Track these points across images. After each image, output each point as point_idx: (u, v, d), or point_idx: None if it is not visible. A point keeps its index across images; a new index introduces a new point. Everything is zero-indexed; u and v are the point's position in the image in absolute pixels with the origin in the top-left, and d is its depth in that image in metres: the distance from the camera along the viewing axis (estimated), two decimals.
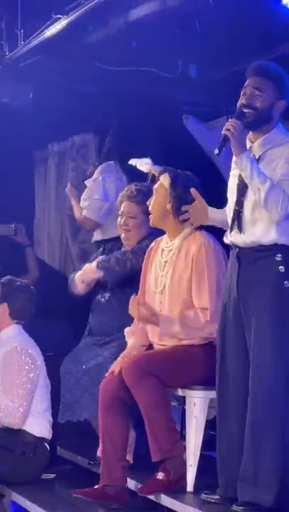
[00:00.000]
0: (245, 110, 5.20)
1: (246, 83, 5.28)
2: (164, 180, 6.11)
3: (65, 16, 7.53)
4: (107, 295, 7.11)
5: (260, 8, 7.48)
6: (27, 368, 6.67)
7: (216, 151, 5.21)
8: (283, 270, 5.02)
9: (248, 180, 5.08)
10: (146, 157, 6.87)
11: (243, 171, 5.11)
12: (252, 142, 5.22)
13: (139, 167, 6.99)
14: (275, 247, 5.05)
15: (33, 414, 6.68)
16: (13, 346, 6.74)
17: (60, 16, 7.56)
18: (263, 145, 5.22)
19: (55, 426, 6.90)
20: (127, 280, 6.76)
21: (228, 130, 5.10)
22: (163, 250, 6.14)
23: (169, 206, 6.00)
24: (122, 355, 6.10)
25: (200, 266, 5.82)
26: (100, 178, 7.93)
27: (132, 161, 7.07)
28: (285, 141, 5.22)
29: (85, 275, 7.20)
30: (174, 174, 6.06)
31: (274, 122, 5.26)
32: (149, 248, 6.33)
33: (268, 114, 5.21)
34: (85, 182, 8.09)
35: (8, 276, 7.24)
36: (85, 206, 7.94)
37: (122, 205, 6.88)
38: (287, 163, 5.11)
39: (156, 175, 6.37)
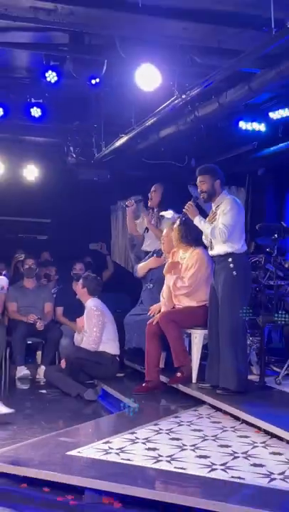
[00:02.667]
0: (200, 196, 5.88)
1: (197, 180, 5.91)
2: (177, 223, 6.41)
3: (125, 136, 8.41)
4: (151, 285, 7.19)
5: (228, 127, 8.65)
6: (96, 318, 6.86)
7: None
8: (232, 266, 5.62)
9: (200, 227, 5.80)
10: (170, 208, 7.08)
11: (197, 224, 5.81)
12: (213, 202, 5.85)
13: (165, 215, 7.15)
14: (227, 255, 5.64)
15: (108, 342, 6.88)
16: (90, 307, 6.99)
17: (123, 135, 8.43)
18: (216, 204, 5.81)
19: (123, 349, 7.04)
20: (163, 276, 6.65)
21: (190, 206, 5.83)
22: (180, 257, 6.43)
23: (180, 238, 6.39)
24: (160, 313, 6.34)
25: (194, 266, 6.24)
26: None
27: (162, 213, 7.23)
28: (224, 200, 5.75)
29: (145, 266, 7.28)
30: (184, 219, 6.19)
31: (219, 191, 5.80)
32: (173, 251, 6.55)
33: (212, 190, 5.77)
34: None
35: (86, 273, 7.59)
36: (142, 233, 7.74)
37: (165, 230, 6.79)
38: (222, 213, 5.66)
39: (176, 218, 6.56)
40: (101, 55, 6.40)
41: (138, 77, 6.22)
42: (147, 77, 6.21)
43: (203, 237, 5.94)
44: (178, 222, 6.45)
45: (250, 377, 6.13)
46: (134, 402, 5.69)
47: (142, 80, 6.25)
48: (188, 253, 6.38)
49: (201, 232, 6.01)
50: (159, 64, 6.10)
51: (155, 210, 7.57)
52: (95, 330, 6.85)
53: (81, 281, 7.23)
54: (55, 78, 6.71)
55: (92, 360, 6.77)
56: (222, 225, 5.61)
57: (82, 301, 7.18)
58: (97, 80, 6.73)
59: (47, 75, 6.69)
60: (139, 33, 5.49)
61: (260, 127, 8.78)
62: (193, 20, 5.23)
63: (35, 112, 7.97)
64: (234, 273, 5.63)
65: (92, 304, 7.04)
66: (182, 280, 6.26)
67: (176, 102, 6.88)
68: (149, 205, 7.69)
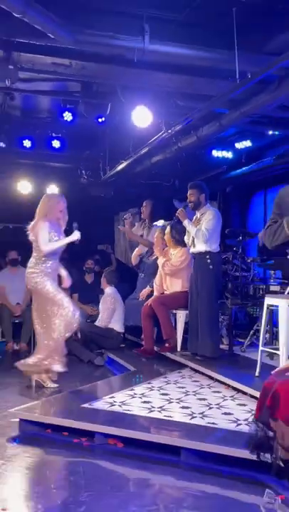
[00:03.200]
0: (189, 204, 5.87)
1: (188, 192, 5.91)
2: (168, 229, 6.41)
3: (125, 162, 8.42)
4: (142, 274, 7.19)
5: (204, 154, 8.64)
6: (109, 303, 6.81)
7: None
8: (209, 261, 5.61)
9: (188, 229, 5.77)
10: (160, 219, 7.20)
11: (186, 226, 5.77)
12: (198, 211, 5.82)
13: (157, 224, 7.16)
14: (206, 253, 5.61)
15: (117, 322, 6.82)
16: (107, 294, 6.92)
17: (123, 161, 8.42)
18: (200, 212, 5.78)
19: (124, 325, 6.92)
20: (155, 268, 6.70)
21: (181, 212, 5.78)
22: (171, 253, 6.41)
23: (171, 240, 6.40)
24: (152, 297, 6.34)
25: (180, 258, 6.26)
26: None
27: (155, 222, 7.23)
28: (208, 211, 5.75)
29: (135, 254, 7.35)
30: (174, 223, 6.19)
31: (204, 203, 5.82)
32: (165, 250, 6.51)
33: (198, 202, 5.79)
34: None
35: (108, 268, 7.60)
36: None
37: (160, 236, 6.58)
38: (206, 220, 5.66)
39: (166, 225, 6.58)
40: (106, 100, 6.39)
41: (134, 116, 6.18)
42: (141, 117, 6.16)
43: (186, 237, 5.91)
44: (169, 227, 6.43)
45: (221, 346, 6.11)
46: (133, 367, 5.64)
47: (137, 119, 6.20)
48: (177, 250, 6.39)
49: (184, 235, 5.99)
50: (150, 106, 6.05)
51: (146, 221, 7.48)
52: (106, 312, 6.81)
53: (104, 273, 7.19)
54: (71, 117, 6.73)
55: (102, 335, 6.75)
56: (205, 229, 5.60)
57: (103, 288, 7.11)
58: (103, 119, 6.75)
59: (64, 115, 6.72)
60: (135, 82, 5.46)
61: (228, 154, 8.78)
62: (175, 72, 5.21)
63: (56, 143, 7.99)
64: (210, 267, 5.63)
65: (109, 292, 6.99)
66: (169, 263, 6.34)
67: (163, 135, 6.91)
68: (142, 217, 7.61)
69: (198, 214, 5.85)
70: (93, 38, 4.55)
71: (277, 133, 7.50)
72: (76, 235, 5.21)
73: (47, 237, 5.06)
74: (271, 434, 2.35)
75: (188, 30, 4.78)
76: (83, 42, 4.55)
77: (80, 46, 4.61)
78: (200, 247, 5.68)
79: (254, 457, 2.43)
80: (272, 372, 2.50)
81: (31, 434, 3.74)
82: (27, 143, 7.92)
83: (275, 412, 2.29)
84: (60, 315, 4.93)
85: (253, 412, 2.48)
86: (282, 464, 2.33)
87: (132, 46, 4.53)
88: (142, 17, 4.57)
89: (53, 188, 9.93)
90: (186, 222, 5.79)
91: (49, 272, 5.09)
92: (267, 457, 2.39)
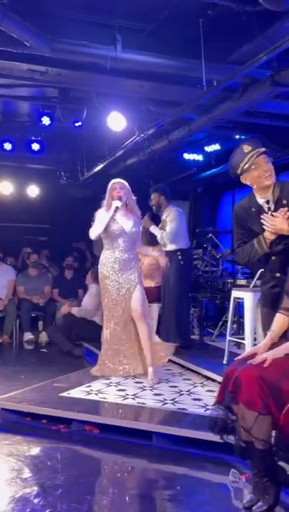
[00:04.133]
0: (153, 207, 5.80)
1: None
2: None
3: (101, 164, 8.38)
4: None
5: (175, 157, 8.60)
6: (93, 299, 6.48)
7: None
8: (180, 258, 5.56)
9: (155, 233, 5.63)
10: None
11: (153, 231, 5.64)
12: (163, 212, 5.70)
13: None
14: (176, 250, 5.57)
15: (98, 315, 6.31)
16: (92, 291, 6.53)
17: (100, 163, 8.38)
18: (165, 214, 5.72)
19: None
20: None
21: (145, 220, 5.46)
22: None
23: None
24: None
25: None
26: None
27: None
28: (171, 211, 5.65)
29: None
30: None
31: (166, 204, 5.72)
32: None
33: (159, 204, 5.73)
34: None
35: (95, 267, 6.93)
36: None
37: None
38: (169, 221, 5.61)
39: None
40: (82, 105, 6.32)
41: (109, 121, 6.21)
42: (116, 121, 6.20)
43: (158, 237, 5.80)
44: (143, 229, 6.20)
45: (192, 336, 6.17)
46: None
47: (112, 123, 6.23)
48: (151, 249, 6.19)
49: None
50: (123, 111, 6.09)
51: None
52: (91, 306, 6.58)
53: (90, 270, 6.94)
54: (49, 122, 6.67)
55: (83, 326, 6.54)
56: (169, 232, 5.54)
57: (87, 283, 6.89)
58: (80, 123, 6.67)
59: (43, 119, 6.66)
60: (108, 89, 5.45)
61: (199, 157, 8.84)
62: (146, 80, 5.20)
63: (35, 146, 7.91)
64: (182, 263, 5.61)
65: (94, 288, 6.64)
66: (146, 262, 6.06)
67: (136, 139, 6.90)
68: None
69: (163, 215, 5.81)
70: (68, 46, 4.50)
71: (243, 137, 7.52)
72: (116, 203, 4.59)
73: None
74: (233, 417, 2.39)
75: (158, 40, 4.79)
76: (58, 50, 4.50)
77: (55, 54, 4.55)
78: (170, 246, 5.67)
79: (219, 439, 2.47)
80: (234, 359, 2.54)
81: (12, 422, 3.71)
82: (7, 146, 7.85)
83: (236, 397, 2.33)
84: None
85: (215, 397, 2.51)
86: (243, 445, 2.38)
87: (105, 54, 4.52)
88: (114, 27, 4.56)
89: (33, 189, 9.97)
90: (152, 228, 5.72)
91: None
92: (231, 439, 2.44)
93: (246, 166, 2.80)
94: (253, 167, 2.79)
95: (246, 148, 2.83)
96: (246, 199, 2.95)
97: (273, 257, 2.87)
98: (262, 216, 2.81)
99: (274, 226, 2.74)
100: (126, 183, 4.79)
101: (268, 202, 2.85)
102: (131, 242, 4.72)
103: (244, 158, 2.82)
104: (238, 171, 2.86)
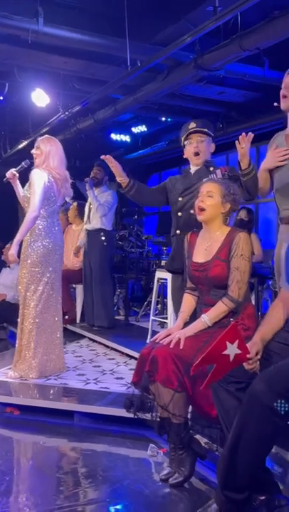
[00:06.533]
0: (93, 179, 5.58)
1: None
2: None
3: (25, 141, 7.95)
4: None
5: (102, 137, 8.62)
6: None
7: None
8: (103, 238, 5.58)
9: (92, 201, 5.56)
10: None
11: (90, 197, 5.54)
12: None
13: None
14: (99, 230, 5.59)
15: None
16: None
17: (23, 140, 8.01)
18: (100, 192, 5.65)
19: None
20: None
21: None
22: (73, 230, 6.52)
23: None
24: None
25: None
26: None
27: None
28: (106, 191, 5.68)
29: None
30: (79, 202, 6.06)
31: (103, 183, 5.75)
32: (68, 227, 6.17)
33: (101, 180, 5.69)
34: None
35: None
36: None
37: None
38: (104, 198, 5.54)
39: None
40: (3, 79, 6.09)
41: (33, 97, 6.12)
42: (39, 98, 6.10)
43: (85, 217, 5.78)
44: (75, 204, 6.24)
45: (118, 317, 6.21)
46: None
47: (36, 99, 6.12)
48: (79, 227, 6.22)
49: None
50: (48, 88, 5.99)
51: None
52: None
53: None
54: None
55: (7, 309, 6.25)
56: (105, 203, 5.58)
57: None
58: (1, 98, 6.47)
59: None
60: (30, 63, 5.33)
61: (126, 138, 8.88)
62: (70, 56, 5.12)
63: None
64: (105, 244, 5.62)
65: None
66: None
67: (62, 116, 6.74)
68: None
69: (96, 192, 5.75)
70: None
71: (169, 119, 7.65)
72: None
73: None
74: (150, 396, 2.46)
75: (83, 16, 4.74)
76: None
77: None
78: (95, 223, 5.62)
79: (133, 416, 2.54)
80: (149, 341, 2.60)
81: None
82: None
83: (153, 375, 2.40)
84: None
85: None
86: (159, 420, 2.46)
87: (27, 27, 4.38)
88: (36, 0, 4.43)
89: None
90: (91, 194, 5.63)
91: None
92: (147, 416, 2.51)
93: (183, 140, 3.13)
94: (186, 142, 3.13)
95: (192, 124, 3.11)
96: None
97: (180, 213, 3.10)
98: None
99: None
100: None
101: None
102: None
103: (184, 133, 3.13)
104: (182, 144, 3.17)
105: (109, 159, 3.19)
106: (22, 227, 3.77)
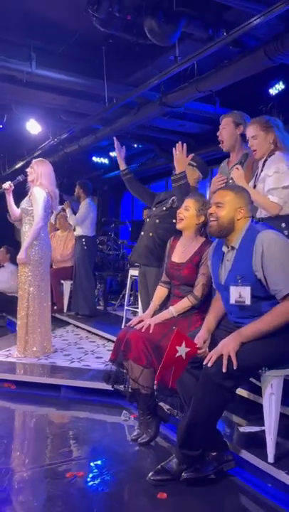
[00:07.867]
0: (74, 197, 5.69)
1: None
2: None
3: (21, 162, 7.86)
4: None
5: (85, 159, 8.49)
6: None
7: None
8: (84, 243, 5.51)
9: (69, 216, 5.54)
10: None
11: (67, 214, 5.57)
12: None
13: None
14: (81, 236, 5.53)
15: None
16: (11, 269, 6.06)
17: (20, 162, 7.90)
18: (81, 205, 5.51)
19: None
20: None
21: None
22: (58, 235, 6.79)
23: None
24: None
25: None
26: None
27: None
28: (83, 203, 5.51)
29: None
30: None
31: (84, 196, 5.56)
32: (54, 233, 6.14)
33: (78, 195, 5.60)
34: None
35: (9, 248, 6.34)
36: None
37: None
38: (82, 209, 5.47)
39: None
40: (3, 111, 6.01)
41: (27, 126, 6.05)
42: (33, 127, 6.04)
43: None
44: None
45: (98, 307, 6.12)
46: None
47: (30, 128, 6.05)
48: (65, 234, 6.16)
49: None
50: (40, 119, 5.95)
51: None
52: (15, 282, 5.98)
53: (6, 249, 6.24)
54: None
55: (5, 300, 6.08)
56: (78, 217, 5.50)
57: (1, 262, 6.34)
58: (1, 126, 6.36)
59: None
60: (25, 99, 5.28)
61: (105, 160, 8.80)
62: (58, 93, 5.10)
63: None
64: (85, 247, 5.57)
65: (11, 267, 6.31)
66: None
67: (51, 142, 6.69)
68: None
69: (80, 205, 5.73)
70: None
71: (140, 146, 7.66)
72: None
73: None
74: (124, 371, 2.48)
75: (69, 60, 4.69)
76: None
77: None
78: (78, 231, 5.61)
79: (111, 388, 2.56)
80: (124, 326, 2.61)
81: None
82: None
83: (127, 354, 2.42)
84: None
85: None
86: (131, 391, 2.48)
87: (22, 69, 4.35)
88: (29, 46, 4.39)
89: None
90: (68, 211, 5.64)
91: None
92: (121, 387, 2.52)
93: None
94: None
95: (193, 160, 3.07)
96: None
97: (148, 219, 3.10)
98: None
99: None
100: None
101: None
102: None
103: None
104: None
105: (116, 142, 3.39)
106: (30, 236, 3.78)
